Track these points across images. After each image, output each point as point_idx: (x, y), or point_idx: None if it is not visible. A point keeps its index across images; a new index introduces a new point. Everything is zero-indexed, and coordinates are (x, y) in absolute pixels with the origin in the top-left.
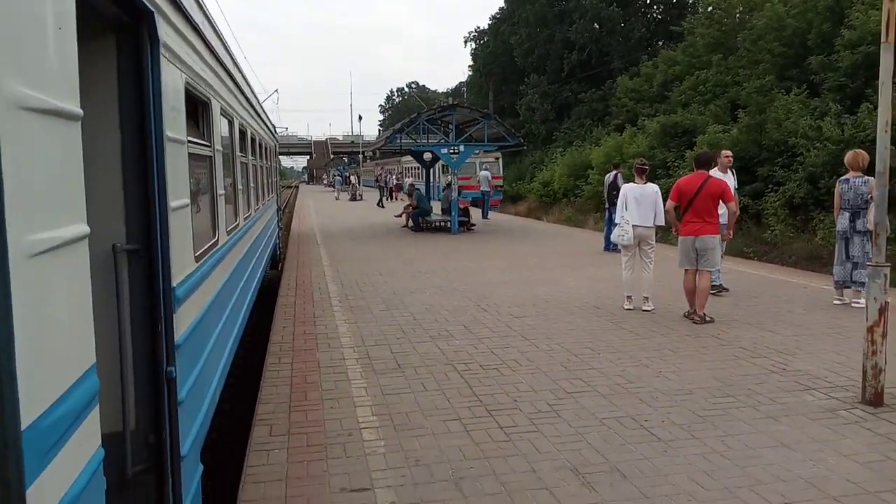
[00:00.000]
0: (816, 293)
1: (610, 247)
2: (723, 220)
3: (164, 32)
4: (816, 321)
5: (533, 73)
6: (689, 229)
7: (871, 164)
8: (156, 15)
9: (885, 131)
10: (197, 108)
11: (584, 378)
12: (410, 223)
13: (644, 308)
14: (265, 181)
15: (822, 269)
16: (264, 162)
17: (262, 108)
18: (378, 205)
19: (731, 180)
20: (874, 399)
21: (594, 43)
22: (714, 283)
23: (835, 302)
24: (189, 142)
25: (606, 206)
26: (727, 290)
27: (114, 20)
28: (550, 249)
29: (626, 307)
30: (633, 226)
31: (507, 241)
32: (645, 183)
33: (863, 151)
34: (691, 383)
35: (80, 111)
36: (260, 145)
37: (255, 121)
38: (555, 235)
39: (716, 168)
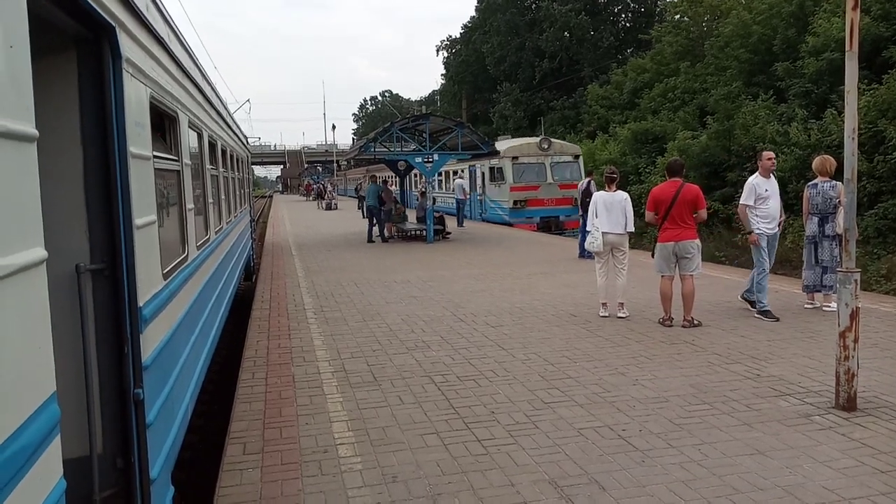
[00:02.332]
0: (788, 297)
1: (585, 254)
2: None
3: (126, 46)
4: (788, 326)
5: (505, 81)
6: (669, 235)
7: (839, 168)
8: (117, 29)
9: (852, 138)
10: (163, 122)
11: (560, 388)
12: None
13: (619, 315)
14: (237, 193)
15: (793, 273)
16: (236, 173)
17: (233, 118)
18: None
19: (774, 185)
20: (847, 404)
21: (564, 51)
22: (750, 299)
23: (806, 306)
24: (155, 157)
25: (580, 212)
26: (774, 318)
27: (74, 35)
28: (526, 257)
29: (601, 314)
30: (604, 233)
31: (483, 249)
32: (615, 191)
33: (830, 157)
34: (667, 391)
35: (35, 132)
36: (231, 157)
37: (226, 132)
38: (530, 243)
39: (757, 173)
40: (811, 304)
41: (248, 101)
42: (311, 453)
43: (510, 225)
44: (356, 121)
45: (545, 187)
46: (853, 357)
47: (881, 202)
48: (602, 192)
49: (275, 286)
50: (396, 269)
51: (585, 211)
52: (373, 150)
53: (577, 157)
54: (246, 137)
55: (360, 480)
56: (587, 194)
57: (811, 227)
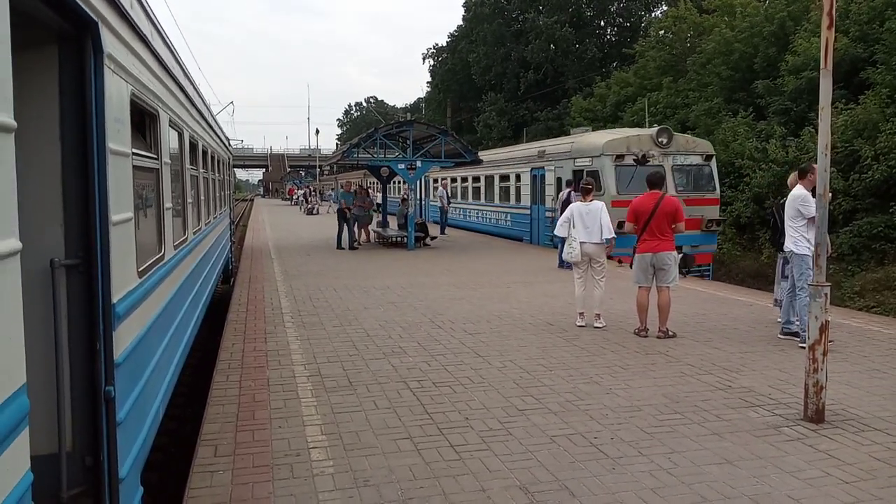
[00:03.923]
0: (761, 311)
1: (564, 264)
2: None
3: (108, 42)
4: (761, 338)
5: (490, 90)
6: (647, 247)
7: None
8: (100, 25)
9: (825, 154)
10: (144, 120)
11: (535, 395)
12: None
13: (596, 325)
14: (217, 194)
15: (768, 287)
16: (217, 175)
17: (215, 120)
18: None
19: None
20: (816, 416)
21: (549, 63)
22: (790, 330)
23: (779, 320)
24: (134, 154)
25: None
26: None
27: (56, 29)
28: (506, 265)
29: (578, 324)
30: (581, 243)
31: (464, 257)
32: (590, 201)
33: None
34: (640, 400)
35: (13, 122)
36: (212, 158)
37: (208, 133)
38: (511, 251)
39: (801, 185)
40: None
41: (232, 103)
42: (284, 456)
43: (609, 257)
44: (340, 126)
45: None
46: (822, 370)
47: (856, 220)
48: (578, 203)
49: (252, 289)
50: (376, 274)
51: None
52: (356, 155)
53: (709, 157)
54: (228, 139)
55: (331, 484)
56: (567, 204)
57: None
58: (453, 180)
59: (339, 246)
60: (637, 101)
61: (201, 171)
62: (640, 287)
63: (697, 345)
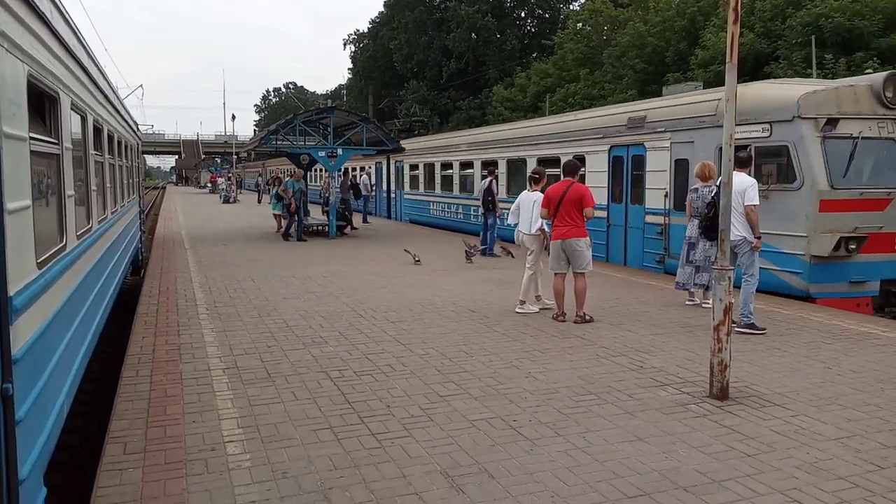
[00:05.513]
0: (671, 295)
1: (487, 251)
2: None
3: (2, 21)
4: (670, 321)
5: (412, 78)
6: (557, 234)
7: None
8: None
9: (730, 144)
10: (43, 103)
11: (456, 381)
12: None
13: (517, 310)
14: (125, 182)
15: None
16: (124, 161)
17: (123, 104)
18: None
19: None
20: (720, 393)
21: (471, 52)
22: (747, 320)
23: (686, 303)
24: (32, 138)
25: (482, 211)
26: (763, 330)
27: None
28: (429, 254)
29: (533, 309)
30: (519, 230)
31: (387, 246)
32: (535, 190)
33: (710, 163)
34: (557, 382)
35: None
36: (119, 143)
37: (114, 117)
38: (434, 239)
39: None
40: (692, 301)
41: (141, 86)
42: (198, 451)
43: (805, 298)
44: (258, 112)
45: None
46: (726, 349)
47: None
48: (524, 192)
49: (164, 281)
50: (296, 264)
51: (487, 210)
52: (274, 142)
53: None
54: (137, 124)
55: (248, 478)
56: (489, 193)
57: (691, 228)
58: (422, 167)
59: (285, 237)
60: (556, 91)
61: (107, 157)
62: (555, 274)
63: (612, 328)
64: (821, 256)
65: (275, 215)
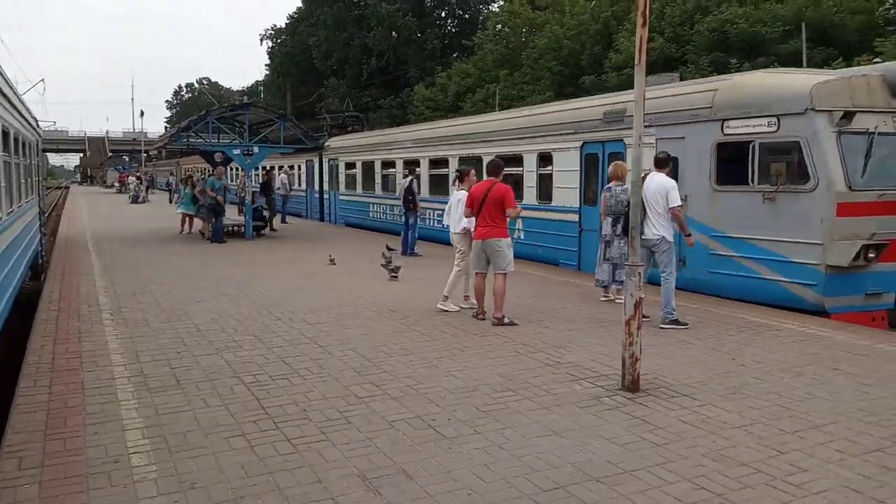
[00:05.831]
0: (587, 292)
1: (408, 251)
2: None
3: None
4: (586, 317)
5: (332, 76)
6: (478, 234)
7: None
8: None
9: (639, 144)
10: None
11: (375, 382)
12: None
13: (439, 306)
14: (23, 181)
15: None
16: (21, 159)
17: (20, 99)
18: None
19: None
20: (632, 385)
21: (392, 50)
22: (670, 317)
23: (601, 299)
24: None
25: (403, 211)
26: (686, 325)
27: None
28: (350, 254)
29: (463, 306)
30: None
31: (307, 246)
32: (463, 189)
33: (623, 163)
34: (476, 380)
35: None
36: (16, 140)
37: (10, 113)
38: (356, 239)
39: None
40: (606, 297)
41: (42, 81)
42: (100, 464)
43: (819, 314)
44: (170, 108)
45: None
46: (637, 343)
47: None
48: (454, 191)
49: (66, 285)
50: (210, 266)
51: (408, 209)
52: (185, 139)
53: None
54: (37, 121)
55: (154, 490)
56: (409, 192)
57: (606, 227)
58: (359, 165)
59: (213, 239)
60: (476, 91)
61: (1, 154)
62: (476, 273)
63: (531, 325)
64: (838, 266)
65: (184, 215)
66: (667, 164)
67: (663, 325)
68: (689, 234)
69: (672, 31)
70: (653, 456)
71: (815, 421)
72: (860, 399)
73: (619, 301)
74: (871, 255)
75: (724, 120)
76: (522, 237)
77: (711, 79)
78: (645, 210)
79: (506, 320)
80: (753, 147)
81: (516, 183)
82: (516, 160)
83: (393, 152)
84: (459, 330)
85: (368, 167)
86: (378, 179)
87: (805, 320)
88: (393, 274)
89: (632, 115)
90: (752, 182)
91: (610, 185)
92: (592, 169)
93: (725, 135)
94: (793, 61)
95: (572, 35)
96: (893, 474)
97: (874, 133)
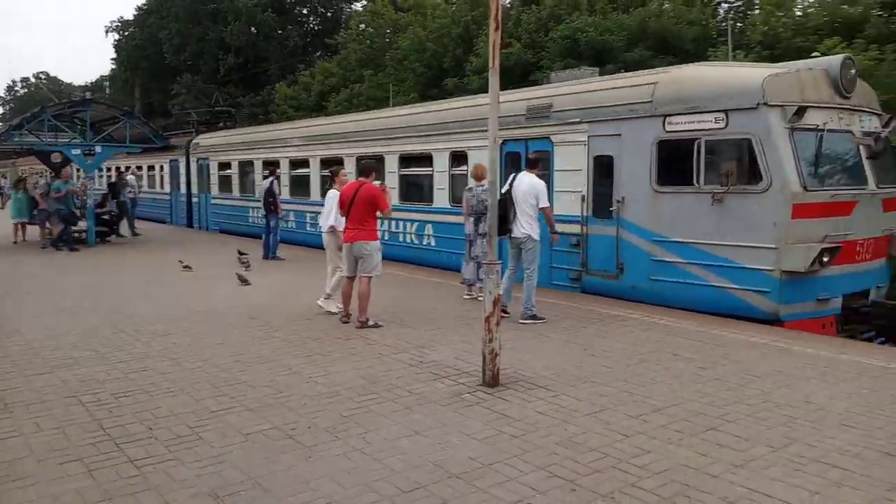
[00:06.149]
0: (451, 290)
1: (269, 255)
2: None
3: None
4: (449, 315)
5: (186, 71)
6: (347, 236)
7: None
8: None
9: (494, 144)
10: None
11: (231, 394)
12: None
13: (318, 303)
14: None
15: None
16: None
17: None
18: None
19: None
20: (492, 380)
21: (251, 47)
22: (530, 313)
23: (464, 297)
24: None
25: (264, 213)
26: (544, 319)
27: None
28: (205, 259)
29: (332, 309)
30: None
31: (158, 253)
32: (335, 188)
33: (483, 164)
34: (339, 385)
35: None
36: None
37: None
38: (212, 244)
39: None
40: (469, 294)
41: None
42: None
43: (773, 322)
44: (3, 105)
45: (864, 203)
46: (496, 339)
47: None
48: (330, 191)
49: None
50: (46, 276)
51: (269, 211)
52: (16, 138)
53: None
54: None
55: None
56: (270, 194)
57: (468, 226)
58: (236, 165)
59: (58, 246)
60: (341, 91)
61: None
62: (346, 277)
63: (394, 326)
64: (794, 272)
65: (17, 224)
66: (537, 164)
67: (523, 321)
68: (556, 233)
69: (529, 38)
70: (510, 448)
71: (657, 405)
72: (696, 382)
73: (482, 299)
74: (826, 259)
75: (666, 115)
76: (433, 243)
77: (651, 71)
78: (515, 210)
79: (370, 323)
80: (699, 145)
81: (427, 185)
82: (425, 159)
83: (276, 151)
84: (323, 334)
85: (246, 167)
86: (259, 181)
87: (651, 311)
88: (244, 280)
89: (561, 111)
90: (698, 182)
91: (471, 185)
92: (514, 169)
93: (667, 132)
94: (638, 69)
95: (434, 38)
96: (725, 450)
97: (824, 130)
